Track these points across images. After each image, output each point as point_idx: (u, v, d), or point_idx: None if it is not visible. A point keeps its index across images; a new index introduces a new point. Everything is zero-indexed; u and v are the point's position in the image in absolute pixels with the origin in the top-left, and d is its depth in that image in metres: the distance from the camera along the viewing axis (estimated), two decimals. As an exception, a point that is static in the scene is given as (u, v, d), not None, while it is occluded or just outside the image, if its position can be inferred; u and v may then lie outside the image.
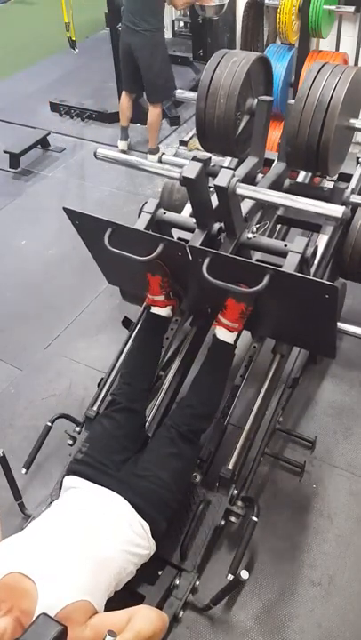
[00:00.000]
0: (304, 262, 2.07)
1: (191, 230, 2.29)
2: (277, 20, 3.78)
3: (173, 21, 6.82)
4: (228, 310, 2.18)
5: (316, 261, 2.38)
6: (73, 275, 3.71)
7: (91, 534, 1.83)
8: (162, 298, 2.34)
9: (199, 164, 2.01)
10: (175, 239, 2.27)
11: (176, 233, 2.41)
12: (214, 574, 2.15)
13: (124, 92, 4.84)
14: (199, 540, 2.14)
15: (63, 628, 1.37)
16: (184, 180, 2.04)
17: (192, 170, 2.00)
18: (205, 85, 2.29)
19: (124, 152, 5.03)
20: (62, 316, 3.43)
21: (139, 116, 5.04)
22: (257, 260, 2.19)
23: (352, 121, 2.33)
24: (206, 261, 1.95)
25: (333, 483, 2.52)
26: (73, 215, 2.25)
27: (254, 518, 2.14)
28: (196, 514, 2.13)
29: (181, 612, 2.06)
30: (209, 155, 2.49)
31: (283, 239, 2.78)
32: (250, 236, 2.16)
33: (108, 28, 5.56)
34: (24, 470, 2.43)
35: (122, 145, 5.03)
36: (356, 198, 2.46)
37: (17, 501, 2.34)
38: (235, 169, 2.43)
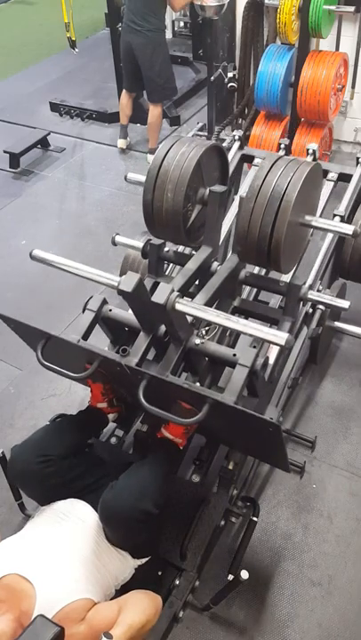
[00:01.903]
0: (253, 374, 1.95)
1: (139, 329, 2.12)
2: (277, 20, 3.78)
3: (173, 21, 6.83)
4: (171, 426, 2.00)
5: (270, 363, 2.27)
6: (73, 275, 3.70)
7: (85, 536, 1.84)
8: (105, 405, 2.18)
9: (136, 277, 1.86)
10: (124, 331, 2.16)
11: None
12: (214, 574, 2.16)
13: (123, 91, 4.84)
14: (199, 540, 2.14)
15: (60, 630, 1.37)
16: (121, 293, 1.89)
17: (129, 283, 1.85)
18: (153, 177, 2.17)
19: (123, 150, 5.05)
20: (62, 316, 3.42)
21: (139, 116, 5.04)
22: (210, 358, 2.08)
23: (307, 218, 2.18)
24: (143, 384, 1.80)
25: (333, 483, 2.52)
26: (7, 321, 2.09)
27: (254, 518, 2.14)
28: (196, 514, 2.13)
29: (181, 612, 2.06)
30: (161, 240, 2.38)
31: (255, 297, 2.69)
32: (197, 342, 2.01)
33: (108, 27, 5.57)
34: (24, 470, 2.43)
35: (121, 143, 5.03)
36: (313, 295, 2.32)
37: (17, 501, 2.34)
38: (190, 254, 2.35)
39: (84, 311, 2.17)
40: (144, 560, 1.97)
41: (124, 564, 1.89)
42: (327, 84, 3.80)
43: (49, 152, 5.17)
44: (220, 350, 2.03)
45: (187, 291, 2.20)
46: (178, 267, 2.54)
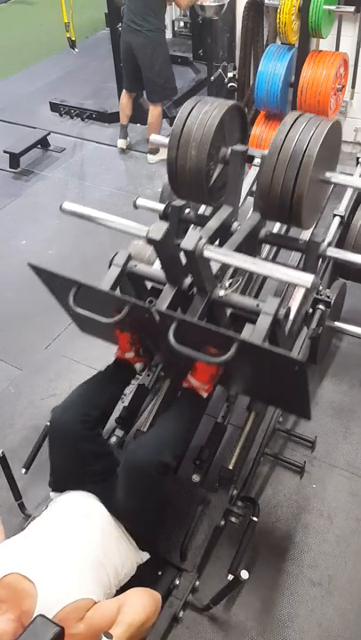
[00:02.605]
0: (276, 323, 1.98)
1: (164, 283, 2.19)
2: (277, 20, 3.78)
3: (173, 21, 6.82)
4: (198, 372, 2.07)
5: (291, 316, 2.31)
6: (73, 275, 3.70)
7: (87, 535, 1.84)
8: (132, 355, 2.24)
9: (165, 225, 1.93)
10: (149, 288, 2.24)
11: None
12: (214, 574, 2.16)
13: (123, 91, 4.84)
14: (199, 540, 2.14)
15: (60, 630, 1.37)
16: (150, 241, 1.95)
17: (158, 231, 1.91)
18: (176, 136, 2.21)
19: (122, 150, 5.05)
20: (62, 316, 3.39)
21: (139, 116, 5.04)
22: (232, 314, 2.14)
23: (328, 174, 2.23)
24: (173, 326, 1.86)
25: (333, 483, 2.52)
26: (38, 271, 2.16)
27: (254, 518, 2.14)
28: (196, 514, 2.13)
29: (181, 612, 2.06)
30: (183, 202, 2.43)
31: (274, 258, 2.72)
32: (221, 293, 2.07)
33: (108, 27, 5.57)
34: (24, 470, 2.43)
35: (121, 143, 5.03)
36: (332, 252, 2.36)
37: (17, 501, 2.34)
38: (211, 215, 2.38)
39: (110, 266, 2.24)
40: (145, 558, 1.97)
41: (127, 562, 1.89)
42: (327, 84, 3.80)
43: (49, 152, 5.17)
44: (243, 301, 2.09)
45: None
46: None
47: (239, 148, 2.29)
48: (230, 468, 2.19)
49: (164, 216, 2.45)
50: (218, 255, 1.95)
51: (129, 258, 2.21)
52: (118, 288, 2.25)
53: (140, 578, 1.97)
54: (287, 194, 2.05)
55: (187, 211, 2.46)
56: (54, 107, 5.71)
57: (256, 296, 2.45)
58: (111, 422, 2.35)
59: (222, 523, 2.17)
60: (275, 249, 2.72)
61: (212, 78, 4.50)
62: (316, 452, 2.63)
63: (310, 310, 2.48)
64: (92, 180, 4.78)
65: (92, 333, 2.53)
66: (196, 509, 2.15)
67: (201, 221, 2.41)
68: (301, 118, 2.10)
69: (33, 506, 2.36)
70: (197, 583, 2.10)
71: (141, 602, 1.68)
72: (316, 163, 2.02)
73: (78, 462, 2.03)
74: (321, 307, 2.48)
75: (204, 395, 2.09)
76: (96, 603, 1.68)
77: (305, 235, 2.45)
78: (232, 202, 2.36)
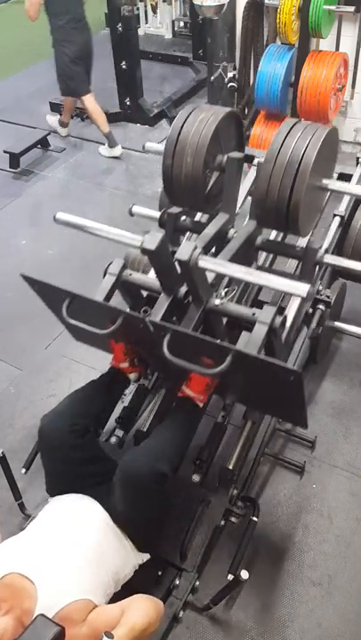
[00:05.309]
0: (272, 332, 1.97)
1: (159, 292, 2.17)
2: (277, 20, 3.78)
3: (173, 21, 6.82)
4: (193, 382, 2.08)
5: (288, 324, 2.29)
6: (73, 275, 3.70)
7: (86, 534, 1.84)
8: (126, 365, 2.25)
9: (159, 236, 1.92)
10: (143, 298, 2.24)
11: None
12: (214, 574, 2.16)
13: (90, 95, 4.84)
14: (199, 540, 2.14)
15: (61, 629, 1.37)
16: (144, 251, 1.95)
17: (152, 241, 1.91)
18: (172, 143, 2.21)
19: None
20: (62, 316, 3.42)
21: (139, 116, 5.05)
22: (228, 321, 2.14)
23: (325, 181, 2.24)
24: (167, 337, 1.85)
25: (333, 483, 2.52)
26: (30, 282, 2.16)
27: (254, 518, 2.14)
28: (196, 514, 2.13)
29: (181, 612, 2.06)
30: (179, 209, 2.44)
31: (271, 264, 2.72)
32: (217, 302, 2.05)
33: (108, 28, 5.57)
34: (24, 470, 2.44)
35: (118, 150, 5.00)
36: (329, 259, 2.36)
37: (17, 501, 2.34)
38: (207, 222, 2.38)
39: (104, 275, 2.22)
40: (145, 558, 1.97)
41: (126, 562, 1.90)
42: (327, 84, 3.80)
43: (49, 152, 5.17)
44: (239, 310, 2.06)
45: (206, 254, 2.20)
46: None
47: (235, 155, 2.28)
48: (230, 467, 2.19)
49: (160, 224, 2.45)
50: (213, 265, 1.93)
51: (124, 267, 2.19)
52: (117, 293, 2.25)
53: (141, 578, 1.97)
54: (283, 201, 2.04)
55: (183, 218, 2.45)
56: (54, 107, 5.71)
57: (253, 304, 2.43)
58: (111, 422, 2.35)
59: (222, 523, 2.17)
60: (272, 255, 2.72)
61: (212, 78, 4.49)
62: (316, 452, 2.63)
63: (310, 310, 2.49)
64: (92, 179, 4.78)
65: (86, 342, 2.52)
66: (196, 509, 2.15)
67: (197, 229, 2.41)
68: (298, 125, 2.09)
69: (33, 506, 2.36)
70: (197, 583, 2.11)
71: (145, 607, 1.69)
72: (313, 170, 2.01)
73: (70, 468, 2.02)
74: (321, 307, 2.48)
75: (200, 404, 2.09)
76: (96, 605, 1.68)
77: (302, 242, 2.44)
78: (228, 209, 2.35)
